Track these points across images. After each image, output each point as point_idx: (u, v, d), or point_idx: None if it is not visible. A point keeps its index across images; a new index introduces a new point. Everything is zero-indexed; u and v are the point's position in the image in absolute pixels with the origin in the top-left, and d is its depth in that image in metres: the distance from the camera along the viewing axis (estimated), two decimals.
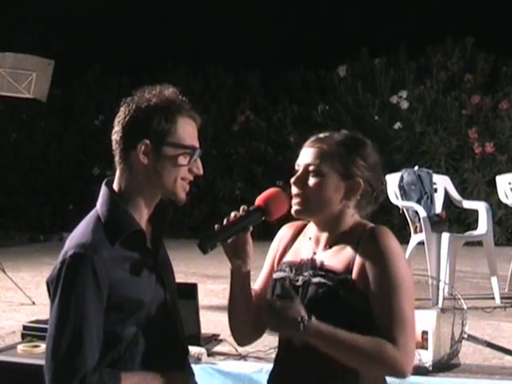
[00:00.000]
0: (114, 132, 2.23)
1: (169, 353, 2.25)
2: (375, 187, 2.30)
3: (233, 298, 2.37)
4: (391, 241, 2.19)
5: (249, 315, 2.38)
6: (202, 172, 2.27)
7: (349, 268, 2.20)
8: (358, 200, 2.27)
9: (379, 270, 2.15)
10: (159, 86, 2.26)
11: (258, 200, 2.29)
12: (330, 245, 2.29)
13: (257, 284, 2.46)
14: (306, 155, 2.29)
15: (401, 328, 2.12)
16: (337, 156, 2.25)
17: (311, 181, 2.26)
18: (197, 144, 2.24)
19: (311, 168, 2.26)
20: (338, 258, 2.24)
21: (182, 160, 2.20)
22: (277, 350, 2.38)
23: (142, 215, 2.23)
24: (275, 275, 2.36)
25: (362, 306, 2.16)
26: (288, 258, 2.38)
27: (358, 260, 2.19)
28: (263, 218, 2.28)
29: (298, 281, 2.27)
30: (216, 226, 2.23)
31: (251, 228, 2.28)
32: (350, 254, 2.22)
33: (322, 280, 2.21)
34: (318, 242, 2.32)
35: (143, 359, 2.19)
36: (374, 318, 2.16)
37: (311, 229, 2.37)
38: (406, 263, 2.22)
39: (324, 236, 2.31)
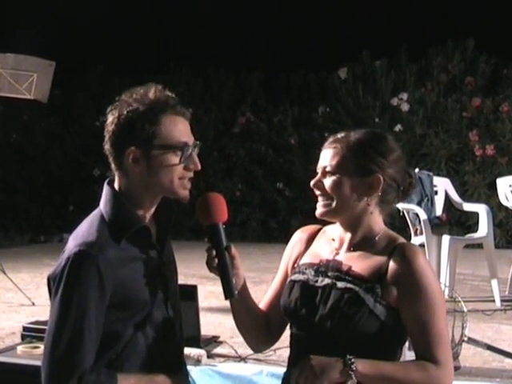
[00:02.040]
0: (104, 141, 2.22)
1: (165, 353, 2.25)
2: (400, 182, 2.29)
3: (235, 312, 2.38)
4: (424, 261, 2.19)
5: (257, 323, 2.39)
6: (199, 167, 2.23)
7: (377, 278, 2.18)
8: (380, 196, 2.26)
9: (417, 292, 2.15)
10: (143, 86, 2.23)
11: (206, 221, 2.25)
12: (353, 247, 2.28)
13: (271, 289, 2.45)
14: (324, 157, 2.28)
15: (441, 347, 2.15)
16: (353, 154, 2.23)
17: (328, 181, 2.25)
18: (188, 139, 2.21)
19: (328, 169, 2.25)
20: (364, 264, 2.22)
21: (174, 159, 2.18)
22: (289, 352, 2.36)
23: (145, 213, 2.23)
24: (293, 277, 2.33)
25: (383, 318, 2.17)
26: (306, 259, 2.36)
27: (390, 274, 2.18)
28: (224, 226, 2.25)
29: (317, 281, 2.26)
30: (220, 278, 2.22)
31: (225, 243, 2.23)
32: (379, 265, 2.20)
33: (349, 285, 2.19)
34: (341, 242, 2.31)
35: (139, 359, 2.18)
36: (392, 330, 2.18)
37: (334, 230, 2.35)
38: (436, 281, 2.23)
39: (348, 237, 2.29)
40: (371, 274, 2.19)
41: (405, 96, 10.08)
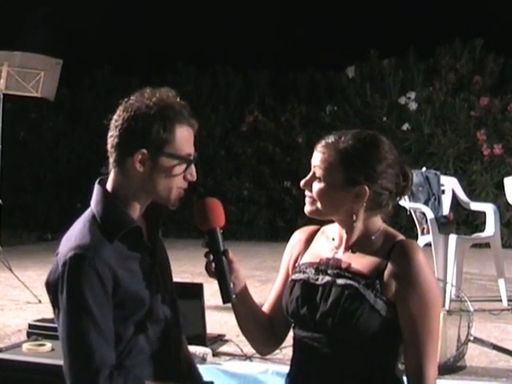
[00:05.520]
0: (110, 135, 2.20)
1: (165, 351, 2.25)
2: (391, 188, 2.26)
3: (237, 316, 2.38)
4: (422, 258, 2.18)
5: (259, 326, 2.39)
6: (195, 178, 2.25)
7: (377, 274, 2.19)
8: (367, 204, 2.24)
9: (412, 288, 2.15)
10: (158, 89, 2.22)
11: (204, 226, 2.25)
12: (351, 246, 2.28)
13: (273, 291, 2.45)
14: (315, 159, 2.28)
15: (428, 349, 2.16)
16: (340, 164, 2.22)
17: (316, 186, 2.26)
18: (193, 151, 2.23)
19: (317, 174, 2.26)
20: (364, 261, 2.23)
21: (178, 169, 2.20)
22: (292, 352, 2.36)
23: (136, 213, 2.24)
24: (294, 276, 2.33)
25: (384, 313, 2.17)
26: (306, 259, 2.36)
27: (389, 270, 2.18)
28: (221, 231, 2.25)
29: (317, 280, 2.26)
30: (218, 283, 2.24)
31: (222, 248, 2.24)
32: (378, 262, 2.21)
33: (349, 282, 2.19)
34: (340, 241, 2.31)
35: (140, 358, 2.19)
36: (394, 326, 2.18)
37: (333, 229, 2.35)
38: (434, 280, 2.24)
39: (345, 236, 2.29)
40: (371, 271, 2.20)
41: (413, 95, 10.06)
